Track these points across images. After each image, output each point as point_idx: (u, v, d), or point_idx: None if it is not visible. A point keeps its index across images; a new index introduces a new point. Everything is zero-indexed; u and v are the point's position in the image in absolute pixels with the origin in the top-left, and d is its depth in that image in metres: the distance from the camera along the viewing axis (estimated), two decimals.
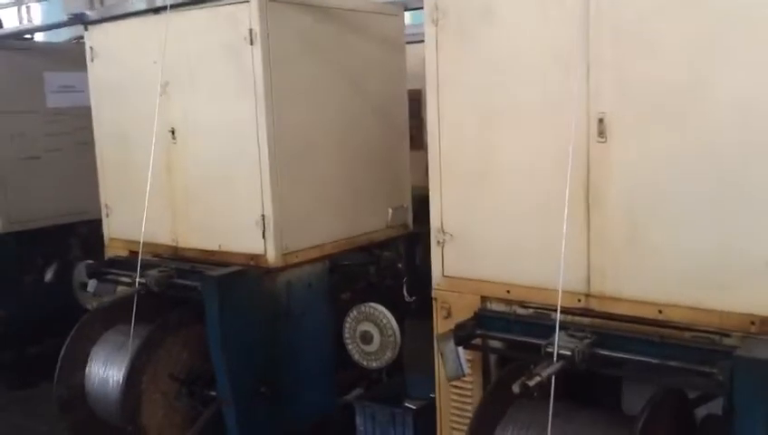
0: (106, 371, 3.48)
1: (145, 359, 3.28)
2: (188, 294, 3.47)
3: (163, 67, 3.58)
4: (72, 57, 5.15)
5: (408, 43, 4.04)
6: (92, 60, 3.97)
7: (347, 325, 3.74)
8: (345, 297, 3.84)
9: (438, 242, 2.83)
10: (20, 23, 10.34)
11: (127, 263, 3.82)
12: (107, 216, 4.10)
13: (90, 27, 3.94)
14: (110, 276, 3.83)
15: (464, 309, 2.75)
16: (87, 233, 5.35)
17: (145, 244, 3.84)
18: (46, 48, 5.10)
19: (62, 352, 3.50)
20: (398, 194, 4.12)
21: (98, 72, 3.97)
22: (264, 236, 3.41)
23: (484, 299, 2.74)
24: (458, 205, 2.75)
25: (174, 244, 3.76)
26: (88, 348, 3.58)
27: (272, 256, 3.42)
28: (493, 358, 2.79)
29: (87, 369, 3.55)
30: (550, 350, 2.25)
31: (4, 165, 4.78)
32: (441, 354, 2.64)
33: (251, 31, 3.28)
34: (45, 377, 5.03)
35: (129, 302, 3.41)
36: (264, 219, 3.40)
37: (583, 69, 2.39)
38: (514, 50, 2.55)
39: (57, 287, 5.23)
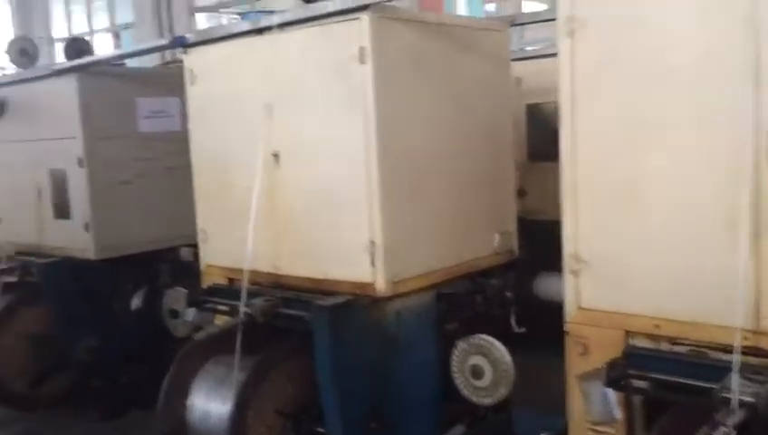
0: (208, 404, 3.34)
1: (251, 393, 3.13)
2: (293, 325, 3.33)
3: (267, 89, 3.49)
4: (163, 82, 5.15)
5: None
6: (192, 83, 3.90)
7: (455, 358, 3.52)
8: (451, 328, 3.64)
9: (573, 271, 2.60)
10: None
11: (227, 291, 3.71)
12: (204, 242, 4.01)
13: (189, 50, 3.88)
14: (208, 305, 3.72)
15: (604, 345, 2.51)
16: (174, 259, 5.32)
17: (243, 271, 3.75)
18: (138, 73, 5.09)
19: (165, 384, 3.39)
20: (503, 218, 3.91)
21: (197, 95, 3.90)
22: (372, 264, 3.24)
23: (627, 334, 2.49)
24: (597, 230, 2.53)
25: (275, 271, 3.62)
26: (189, 379, 3.45)
27: (381, 285, 3.24)
28: (636, 399, 2.53)
29: (188, 401, 3.42)
30: (726, 395, 1.99)
31: (98, 190, 4.75)
32: (585, 395, 2.40)
33: (361, 49, 3.14)
34: (135, 405, 5.01)
35: (230, 332, 3.29)
36: (372, 246, 3.23)
37: (750, 79, 2.15)
38: (666, 60, 2.32)
39: (145, 315, 5.17)
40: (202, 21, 12.51)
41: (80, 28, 14.79)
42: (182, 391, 3.43)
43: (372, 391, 3.23)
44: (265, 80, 3.49)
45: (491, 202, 3.82)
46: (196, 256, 5.39)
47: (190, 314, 3.74)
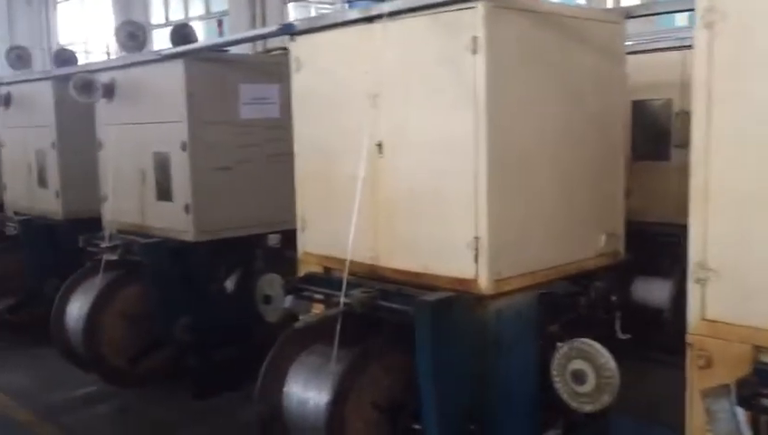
0: (306, 393, 3.34)
1: (349, 385, 3.11)
2: (392, 318, 3.29)
3: (373, 78, 3.45)
4: (265, 69, 5.20)
5: None
6: (297, 70, 3.90)
7: (556, 361, 3.40)
8: (553, 330, 3.52)
9: (698, 279, 2.44)
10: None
11: (323, 280, 3.70)
12: (302, 230, 4.01)
13: (296, 38, 3.87)
14: (305, 293, 3.72)
15: (729, 360, 2.35)
16: (269, 245, 5.38)
17: (342, 261, 3.72)
18: (242, 60, 5.15)
19: (263, 369, 3.41)
20: (611, 218, 3.75)
21: (302, 83, 3.89)
22: (476, 260, 3.15)
23: (756, 350, 2.32)
24: (730, 237, 2.35)
25: (373, 262, 3.58)
26: (287, 366, 3.46)
27: (484, 282, 3.15)
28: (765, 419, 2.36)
29: (286, 388, 3.44)
30: None
31: (200, 174, 4.84)
32: (710, 413, 2.25)
33: (475, 39, 3.05)
34: (226, 386, 5.10)
35: (327, 322, 3.28)
36: (477, 242, 3.14)
37: None
38: None
39: (238, 298, 5.25)
40: (293, 12, 12.69)
41: (176, 15, 15.27)
42: (279, 378, 3.44)
43: (471, 391, 3.15)
44: (372, 68, 3.44)
45: (599, 201, 3.67)
46: (283, 242, 5.50)
47: (288, 301, 3.74)
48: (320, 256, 3.88)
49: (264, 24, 12.53)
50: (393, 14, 3.30)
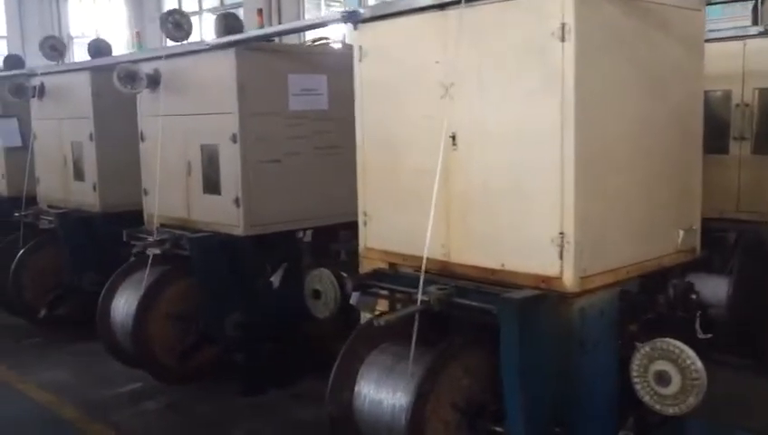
0: (379, 393, 3.23)
1: (430, 385, 2.99)
2: (470, 316, 3.17)
3: (446, 67, 3.32)
4: (313, 60, 5.08)
5: None
6: (360, 59, 3.77)
7: (636, 362, 3.27)
8: (633, 329, 3.39)
9: None
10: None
11: (393, 277, 3.58)
12: (365, 224, 3.88)
13: (360, 26, 3.74)
14: (373, 289, 3.61)
15: None
16: (315, 239, 5.28)
17: (408, 256, 3.62)
18: (291, 50, 5.03)
19: (335, 368, 3.30)
20: (689, 213, 3.62)
21: (366, 73, 3.76)
22: (561, 257, 3.03)
23: None
24: None
25: (444, 259, 3.46)
26: (357, 366, 3.35)
27: (569, 280, 3.02)
28: None
29: (356, 388, 3.32)
30: None
31: (250, 167, 4.73)
32: None
33: (563, 25, 2.92)
34: (273, 384, 5.00)
35: (406, 320, 3.17)
36: (562, 237, 3.02)
37: None
38: None
39: (285, 293, 5.15)
40: (308, 4, 12.58)
41: (190, 6, 15.14)
42: (350, 377, 3.33)
43: (556, 392, 3.04)
44: (445, 58, 3.32)
45: (678, 195, 3.54)
46: (329, 237, 5.39)
47: (354, 297, 3.62)
48: (384, 251, 3.76)
49: (279, 18, 12.43)
50: (470, 1, 3.18)
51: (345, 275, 5.08)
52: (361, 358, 3.37)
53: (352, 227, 5.25)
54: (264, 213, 4.83)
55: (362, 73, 3.80)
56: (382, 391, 3.23)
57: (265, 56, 4.79)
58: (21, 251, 6.26)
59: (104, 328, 4.98)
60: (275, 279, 5.27)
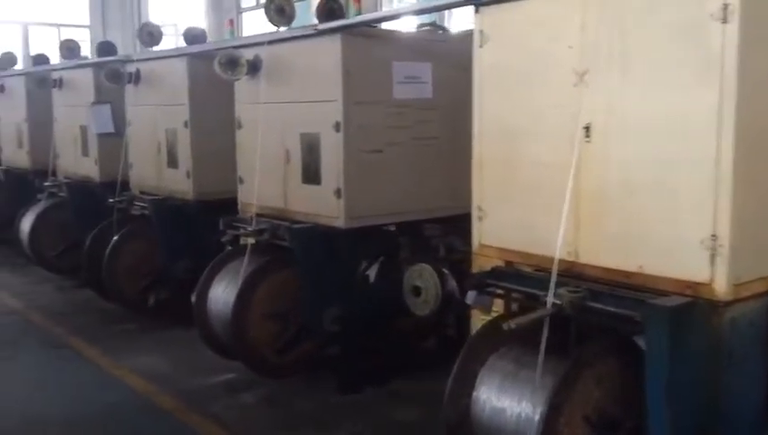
0: (501, 400, 3.03)
1: (563, 396, 2.77)
2: (603, 322, 2.94)
3: (580, 51, 3.08)
4: (418, 46, 4.88)
5: None
6: (481, 45, 3.55)
7: None
8: None
9: None
10: None
11: (514, 276, 3.37)
12: (479, 219, 3.67)
13: (482, 9, 3.53)
14: (490, 289, 3.40)
15: None
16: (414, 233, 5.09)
17: (528, 255, 3.40)
18: (396, 36, 4.82)
19: (455, 372, 3.12)
20: None
21: (487, 59, 3.54)
22: (712, 262, 2.75)
23: None
24: None
25: (571, 258, 3.22)
26: (477, 370, 3.16)
27: (721, 287, 2.75)
28: None
29: (475, 393, 3.13)
30: None
31: (352, 157, 4.57)
32: None
33: (725, 5, 2.64)
34: (371, 382, 4.86)
35: (530, 324, 2.96)
36: (714, 240, 2.74)
37: None
38: None
39: (381, 288, 5.00)
40: None
41: None
42: (469, 382, 3.14)
43: (704, 409, 2.77)
44: (581, 41, 3.08)
45: None
46: (428, 231, 5.20)
47: (470, 296, 3.42)
48: (501, 249, 3.54)
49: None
50: None
51: (446, 271, 4.94)
52: (482, 361, 3.17)
53: (444, 222, 5.12)
54: (365, 205, 4.66)
55: (483, 60, 3.57)
56: (505, 399, 3.03)
57: (370, 42, 4.62)
58: (115, 238, 6.29)
59: (201, 318, 4.93)
60: (372, 273, 5.12)
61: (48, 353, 5.70)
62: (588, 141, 3.11)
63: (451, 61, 4.99)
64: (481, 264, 3.65)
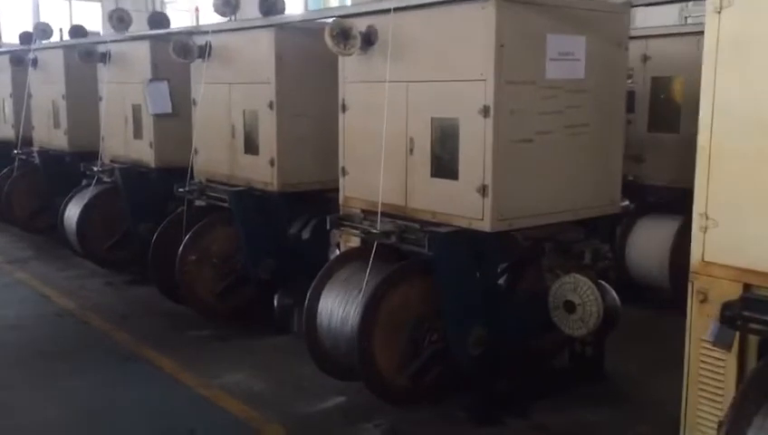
0: None
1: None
2: None
3: None
4: (574, 16, 4.13)
5: None
6: (719, 10, 2.81)
7: None
8: None
9: None
10: None
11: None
12: (703, 230, 2.93)
13: None
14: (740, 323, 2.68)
15: None
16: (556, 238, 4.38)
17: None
18: (553, 3, 4.01)
19: (731, 414, 2.41)
20: None
21: (729, 28, 2.79)
22: None
23: None
24: None
25: None
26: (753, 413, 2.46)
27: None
28: None
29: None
30: None
31: (501, 147, 3.83)
32: None
33: None
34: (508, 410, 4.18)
35: None
36: None
37: None
38: None
39: (521, 302, 4.33)
40: None
41: None
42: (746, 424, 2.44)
43: None
44: None
45: None
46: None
47: (714, 330, 2.71)
48: (738, 269, 2.81)
49: None
50: None
51: (604, 284, 4.24)
52: (759, 405, 2.47)
53: (585, 224, 4.41)
54: (513, 205, 3.94)
55: (722, 29, 2.82)
56: None
57: (524, 11, 3.87)
58: (187, 236, 5.54)
59: (311, 336, 4.22)
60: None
61: (119, 367, 4.99)
62: None
63: (605, 34, 4.26)
64: (702, 286, 2.95)
